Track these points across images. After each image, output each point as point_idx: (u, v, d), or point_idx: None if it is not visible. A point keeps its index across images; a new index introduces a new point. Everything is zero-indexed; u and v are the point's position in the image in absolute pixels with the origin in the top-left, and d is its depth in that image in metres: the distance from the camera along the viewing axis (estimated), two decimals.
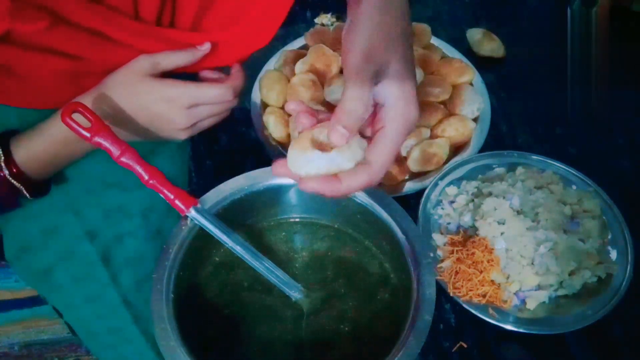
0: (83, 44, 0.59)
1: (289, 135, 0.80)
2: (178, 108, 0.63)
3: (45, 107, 0.64)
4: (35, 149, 0.62)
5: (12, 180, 0.62)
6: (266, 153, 0.79)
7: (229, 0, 0.66)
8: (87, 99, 0.62)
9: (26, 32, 0.54)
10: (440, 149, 0.77)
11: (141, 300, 0.70)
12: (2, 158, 0.61)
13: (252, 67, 0.90)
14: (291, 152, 0.50)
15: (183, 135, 0.66)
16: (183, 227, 0.61)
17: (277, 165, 0.53)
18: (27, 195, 0.64)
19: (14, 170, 0.62)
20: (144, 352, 0.73)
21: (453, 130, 0.79)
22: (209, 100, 0.64)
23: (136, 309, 0.71)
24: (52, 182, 0.69)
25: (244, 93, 0.85)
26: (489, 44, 0.93)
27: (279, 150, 0.79)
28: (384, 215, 0.63)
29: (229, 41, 0.68)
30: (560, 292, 0.66)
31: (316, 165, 0.49)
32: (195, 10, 0.65)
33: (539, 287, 0.66)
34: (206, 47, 0.65)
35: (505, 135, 0.85)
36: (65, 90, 0.63)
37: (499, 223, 0.67)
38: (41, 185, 0.67)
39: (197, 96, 0.63)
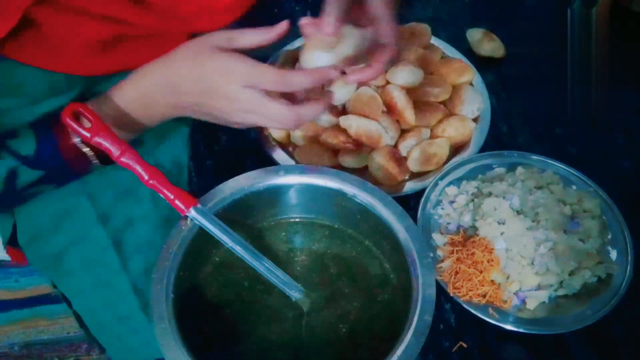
0: (116, 6, 0.59)
1: (289, 135, 0.80)
2: (233, 82, 0.59)
3: (73, 72, 0.64)
4: (102, 116, 0.61)
5: (82, 148, 0.62)
6: (266, 153, 0.79)
7: None
8: (157, 64, 0.61)
9: None
10: (440, 149, 0.77)
11: (149, 288, 0.71)
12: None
13: None
14: (303, 57, 0.60)
15: (234, 124, 0.63)
16: (183, 227, 0.61)
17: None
18: (98, 162, 0.64)
19: (87, 139, 0.60)
20: (150, 342, 0.73)
21: (453, 130, 0.79)
22: (265, 85, 0.59)
23: (144, 297, 0.72)
24: None
25: None
26: (489, 44, 0.93)
27: (279, 150, 0.79)
28: (384, 215, 0.63)
29: None
30: (560, 292, 0.66)
31: (324, 61, 0.58)
32: None
33: (539, 287, 0.66)
34: (283, 26, 0.61)
35: (505, 135, 0.85)
36: (94, 59, 0.63)
37: (499, 223, 0.67)
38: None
39: (255, 74, 0.59)
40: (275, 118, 0.61)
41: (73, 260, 0.75)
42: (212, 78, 0.60)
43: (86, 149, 0.62)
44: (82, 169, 0.64)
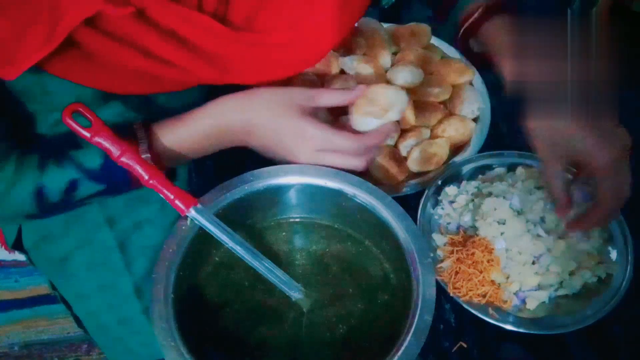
0: (159, 42, 0.58)
1: None
2: (307, 147, 0.63)
3: (105, 90, 0.64)
4: (176, 139, 0.63)
5: (150, 162, 0.62)
6: None
7: (287, 1, 0.63)
8: (238, 102, 0.64)
9: (114, 16, 0.53)
10: (440, 149, 0.77)
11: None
12: (146, 144, 0.62)
13: None
14: (354, 118, 0.65)
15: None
16: (183, 227, 0.61)
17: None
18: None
19: (153, 156, 0.62)
20: (151, 344, 0.73)
21: (453, 130, 0.79)
22: (339, 149, 0.64)
23: (146, 300, 0.72)
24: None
25: None
26: None
27: None
28: (384, 215, 0.63)
29: (283, 48, 0.65)
30: (560, 292, 0.66)
31: (374, 125, 0.65)
32: (249, 6, 0.62)
33: (539, 287, 0.66)
34: (360, 89, 0.65)
35: (505, 135, 0.85)
36: (129, 81, 0.64)
37: (499, 223, 0.67)
38: (170, 170, 0.68)
39: (330, 142, 0.63)
40: (348, 151, 0.64)
41: (78, 263, 0.75)
42: (287, 136, 0.63)
43: (149, 160, 0.63)
44: (140, 183, 0.65)
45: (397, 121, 0.79)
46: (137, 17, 0.55)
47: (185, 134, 0.64)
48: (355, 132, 0.66)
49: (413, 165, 0.77)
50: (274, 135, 0.64)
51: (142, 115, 0.73)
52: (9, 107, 0.64)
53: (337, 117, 0.78)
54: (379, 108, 0.64)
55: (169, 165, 0.66)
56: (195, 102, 0.69)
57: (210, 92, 0.86)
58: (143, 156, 0.62)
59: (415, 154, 0.77)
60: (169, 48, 0.58)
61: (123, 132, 0.62)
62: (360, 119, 0.65)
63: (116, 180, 0.61)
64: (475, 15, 0.69)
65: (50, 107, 0.66)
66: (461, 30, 0.71)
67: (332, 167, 0.65)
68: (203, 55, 0.61)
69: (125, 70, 0.61)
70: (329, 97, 0.65)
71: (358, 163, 0.65)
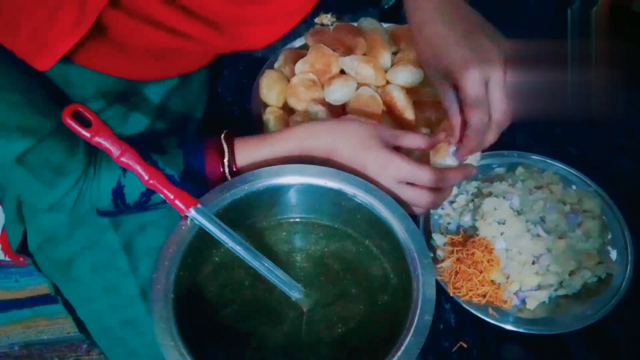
0: (178, 17, 0.59)
1: None
2: (390, 177, 0.64)
3: (126, 77, 0.65)
4: (258, 156, 0.66)
5: (227, 174, 0.65)
6: None
7: None
8: (327, 127, 0.66)
9: None
10: (441, 148, 0.77)
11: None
12: (228, 157, 0.65)
13: (252, 67, 0.90)
14: (435, 159, 0.69)
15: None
16: (183, 227, 0.61)
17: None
18: None
19: (234, 169, 0.65)
20: (155, 345, 0.73)
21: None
22: (420, 181, 0.64)
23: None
24: None
25: (245, 93, 0.86)
26: None
27: None
28: (384, 215, 0.63)
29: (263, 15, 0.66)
30: (560, 292, 0.66)
31: (450, 164, 0.68)
32: None
33: (539, 287, 0.66)
34: (441, 136, 0.68)
35: (505, 135, 0.84)
36: (148, 65, 0.65)
37: (499, 223, 0.67)
38: None
39: (412, 173, 0.64)
40: (429, 183, 0.64)
41: (82, 265, 0.75)
42: (372, 165, 0.64)
43: (228, 175, 0.65)
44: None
45: (397, 120, 0.79)
46: None
47: (270, 152, 0.66)
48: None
49: None
50: (358, 163, 0.65)
51: (147, 118, 0.74)
52: (61, 96, 0.64)
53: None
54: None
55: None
56: (196, 92, 0.68)
57: (211, 83, 0.87)
58: (224, 169, 0.65)
59: (415, 154, 0.76)
60: (184, 20, 0.59)
61: (206, 142, 0.65)
62: (440, 160, 0.68)
63: (191, 188, 0.61)
64: None
65: (73, 99, 0.66)
66: None
67: (409, 201, 0.66)
68: (213, 24, 0.61)
69: (145, 53, 0.61)
70: (412, 139, 0.67)
71: (434, 199, 0.65)
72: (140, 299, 0.73)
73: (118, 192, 0.64)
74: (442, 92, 0.64)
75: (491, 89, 0.61)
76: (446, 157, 0.68)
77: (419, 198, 0.65)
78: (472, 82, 0.60)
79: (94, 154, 0.64)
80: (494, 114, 0.62)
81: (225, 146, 0.65)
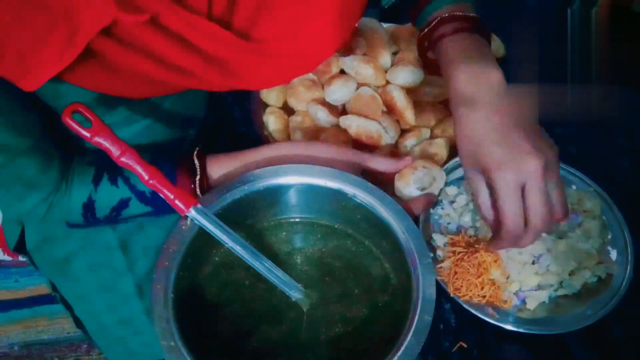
0: (171, 49, 0.59)
1: (289, 135, 0.80)
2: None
3: (124, 96, 0.66)
4: (230, 171, 0.67)
5: (197, 190, 0.66)
6: None
7: (289, 7, 0.62)
8: (291, 145, 0.68)
9: (128, 24, 0.54)
10: (440, 149, 0.77)
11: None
12: (199, 176, 0.65)
13: None
14: (398, 185, 0.70)
15: None
16: (183, 227, 0.61)
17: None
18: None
19: (205, 185, 0.66)
20: (153, 344, 0.73)
21: (453, 130, 0.79)
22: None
23: (148, 300, 0.72)
24: None
25: (246, 94, 0.86)
26: None
27: None
28: (384, 215, 0.63)
29: (285, 57, 0.65)
30: (560, 292, 0.66)
31: (415, 194, 0.70)
32: (250, 12, 0.62)
33: (539, 287, 0.66)
34: (407, 160, 0.69)
35: None
36: (141, 87, 0.65)
37: None
38: None
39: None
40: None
41: (79, 264, 0.75)
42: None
43: (199, 192, 0.65)
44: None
45: (397, 121, 0.79)
46: (150, 25, 0.55)
47: (240, 166, 0.67)
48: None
49: None
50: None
51: (148, 119, 0.74)
52: (44, 110, 0.64)
53: (338, 116, 0.78)
54: (423, 181, 0.70)
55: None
56: (195, 97, 0.69)
57: (213, 98, 0.87)
58: (195, 186, 0.65)
59: (415, 154, 0.76)
60: (181, 54, 0.59)
61: (179, 160, 0.65)
62: (404, 187, 0.69)
63: (163, 205, 0.61)
64: (430, 26, 0.68)
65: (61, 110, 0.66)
66: (419, 36, 0.71)
67: None
68: (212, 61, 0.61)
69: (138, 76, 0.61)
70: (379, 162, 0.69)
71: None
72: (137, 297, 0.74)
73: (88, 207, 0.65)
74: (476, 188, 0.63)
75: (528, 193, 0.58)
76: (409, 184, 0.69)
77: None
78: (506, 183, 0.58)
79: (67, 170, 0.65)
80: (532, 219, 0.59)
81: (197, 164, 0.65)
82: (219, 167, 0.67)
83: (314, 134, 0.78)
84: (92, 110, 0.62)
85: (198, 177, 0.65)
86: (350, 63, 0.81)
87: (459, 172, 0.76)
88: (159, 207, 0.66)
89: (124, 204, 0.65)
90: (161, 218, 0.74)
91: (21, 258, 0.86)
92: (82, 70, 0.58)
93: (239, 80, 0.65)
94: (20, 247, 0.80)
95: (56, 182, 0.64)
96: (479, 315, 0.63)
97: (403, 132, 0.79)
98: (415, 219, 0.69)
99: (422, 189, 0.70)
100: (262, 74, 0.66)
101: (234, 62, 0.62)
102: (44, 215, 0.65)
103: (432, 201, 0.70)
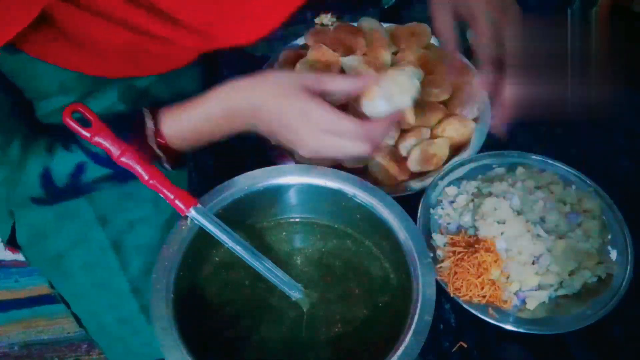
0: (137, 12, 0.58)
1: None
2: (313, 128, 0.61)
3: (88, 73, 0.64)
4: (185, 124, 0.63)
5: (158, 151, 0.63)
6: (266, 153, 0.79)
7: None
8: (246, 85, 0.63)
9: None
10: (440, 149, 0.77)
11: (149, 289, 0.71)
12: (151, 128, 0.62)
13: (252, 67, 0.90)
14: (364, 103, 0.64)
15: (306, 154, 0.64)
16: (183, 227, 0.61)
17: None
18: (169, 167, 0.65)
19: (161, 142, 0.63)
20: (150, 343, 0.73)
21: (453, 130, 0.79)
22: (344, 132, 0.61)
23: (144, 299, 0.72)
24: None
25: None
26: None
27: (279, 150, 0.79)
28: (384, 215, 0.63)
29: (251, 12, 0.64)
30: (560, 292, 0.66)
31: (383, 108, 0.63)
32: None
33: (539, 287, 0.66)
34: (370, 75, 0.65)
35: (505, 135, 0.85)
36: (112, 63, 0.64)
37: (499, 223, 0.67)
38: (180, 157, 0.67)
39: (335, 124, 0.61)
40: (350, 135, 0.62)
41: (73, 262, 0.75)
42: (293, 117, 0.61)
43: (159, 151, 0.63)
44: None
45: (397, 121, 0.79)
46: None
47: (195, 118, 0.63)
48: (365, 118, 0.64)
49: (413, 165, 0.77)
50: (280, 118, 0.62)
51: (136, 107, 0.73)
52: (10, 88, 0.64)
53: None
54: (390, 94, 0.63)
55: (179, 150, 0.65)
56: (189, 90, 0.68)
57: (205, 81, 0.86)
58: (151, 142, 0.62)
59: (415, 154, 0.76)
60: (148, 19, 0.58)
61: (130, 118, 0.62)
62: (370, 104, 0.64)
63: (123, 168, 0.60)
64: None
65: (38, 93, 0.66)
66: None
67: (339, 152, 0.63)
68: (181, 23, 0.60)
69: (107, 50, 0.61)
70: (338, 82, 0.64)
71: (364, 148, 0.62)
72: (132, 296, 0.73)
73: (46, 177, 0.63)
74: (442, 22, 0.65)
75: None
76: (376, 99, 0.63)
77: (343, 150, 0.62)
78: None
79: (26, 146, 0.63)
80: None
81: (148, 118, 0.63)
82: (172, 120, 0.64)
83: None
84: (72, 94, 0.61)
85: (149, 127, 0.62)
86: (350, 63, 0.81)
87: (459, 172, 0.76)
88: (119, 169, 0.63)
89: (80, 168, 0.63)
90: (154, 216, 0.74)
91: (18, 254, 0.86)
92: (45, 42, 0.57)
93: (214, 39, 0.64)
94: (12, 242, 0.80)
95: (17, 160, 0.62)
96: (479, 315, 0.63)
97: (403, 132, 0.79)
98: (416, 219, 0.69)
99: (391, 101, 0.63)
100: (234, 27, 0.65)
101: (204, 20, 0.62)
102: (7, 195, 0.64)
103: (397, 119, 0.65)
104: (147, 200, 0.74)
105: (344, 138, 0.61)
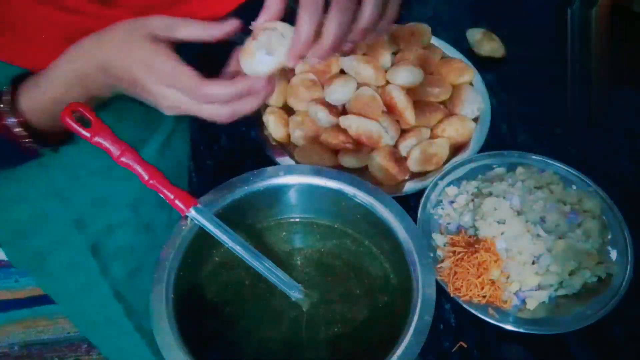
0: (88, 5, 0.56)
1: (288, 135, 0.80)
2: (156, 81, 0.55)
3: (38, 67, 0.61)
4: (40, 95, 0.59)
5: (17, 129, 0.58)
6: (266, 153, 0.79)
7: None
8: (91, 42, 0.57)
9: None
10: (440, 149, 0.77)
11: (133, 293, 0.70)
12: (8, 107, 0.57)
13: None
14: (242, 59, 0.55)
15: (165, 110, 0.59)
16: (183, 227, 0.61)
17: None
18: (35, 146, 0.61)
19: (19, 118, 0.58)
20: (140, 346, 0.72)
21: (453, 130, 0.79)
22: (179, 86, 0.55)
23: (128, 302, 0.71)
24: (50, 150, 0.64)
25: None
26: (489, 44, 0.93)
27: (279, 150, 0.79)
28: (384, 215, 0.63)
29: None
30: (560, 292, 0.66)
31: (266, 64, 0.54)
32: None
33: (539, 287, 0.66)
34: (233, 24, 0.55)
35: (505, 135, 0.85)
36: (59, 54, 0.60)
37: (499, 223, 0.67)
38: (49, 136, 0.63)
39: (168, 77, 0.55)
40: (208, 113, 0.56)
41: (55, 262, 0.73)
42: (138, 69, 0.55)
43: (18, 129, 0.58)
44: (23, 150, 0.61)
45: (397, 121, 0.79)
46: None
47: (46, 86, 0.58)
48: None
49: (413, 165, 0.77)
50: (129, 74, 0.56)
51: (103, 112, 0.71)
52: None
53: (338, 116, 0.78)
54: (272, 46, 0.54)
55: (44, 126, 0.61)
56: None
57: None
58: (8, 121, 0.57)
59: (415, 154, 0.77)
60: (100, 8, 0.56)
61: None
62: (250, 61, 0.54)
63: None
64: None
65: None
66: None
67: (185, 109, 0.56)
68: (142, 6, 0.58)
69: (59, 41, 0.58)
70: (193, 29, 0.56)
71: (216, 111, 0.55)
72: (115, 300, 0.72)
73: None
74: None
75: None
76: (253, 57, 0.54)
77: (184, 106, 0.56)
78: None
79: None
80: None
81: (5, 97, 0.57)
82: (28, 94, 0.58)
83: (314, 133, 0.78)
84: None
85: (6, 108, 0.57)
86: (350, 63, 0.81)
87: (459, 172, 0.76)
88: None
89: None
90: (131, 220, 0.71)
91: None
92: None
93: (184, 14, 0.59)
94: None
95: None
96: (479, 315, 0.63)
97: (403, 132, 0.79)
98: (416, 219, 0.69)
99: (274, 54, 0.54)
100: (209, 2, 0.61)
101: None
102: None
103: (258, 89, 0.55)
104: (124, 205, 0.73)
105: (182, 93, 0.55)
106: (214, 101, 0.55)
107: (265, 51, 0.54)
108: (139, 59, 0.55)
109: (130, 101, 0.70)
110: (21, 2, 0.55)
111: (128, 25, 0.56)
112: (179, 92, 0.55)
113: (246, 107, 0.56)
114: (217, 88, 0.54)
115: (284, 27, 0.55)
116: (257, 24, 0.55)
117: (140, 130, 0.74)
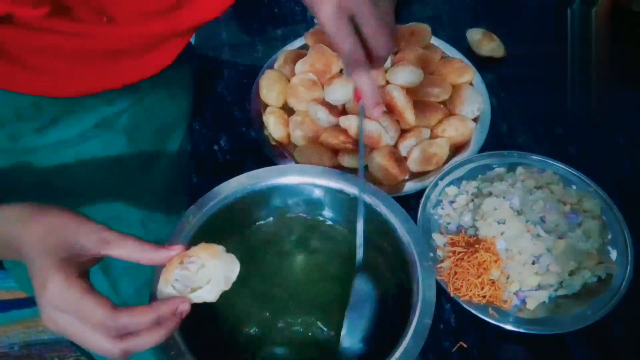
0: (82, 25, 0.57)
1: (288, 135, 0.80)
2: (48, 301, 0.47)
3: (41, 94, 0.62)
4: None
5: None
6: (266, 153, 0.79)
7: None
8: (20, 210, 0.51)
9: (27, 16, 0.52)
10: (440, 149, 0.77)
11: None
12: None
13: (252, 66, 0.90)
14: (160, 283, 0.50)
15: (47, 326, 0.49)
16: (183, 227, 0.61)
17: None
18: None
19: None
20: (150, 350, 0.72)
21: (453, 130, 0.79)
22: (87, 319, 0.47)
23: None
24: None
25: (245, 93, 0.86)
26: (489, 44, 0.93)
27: (279, 150, 0.79)
28: (385, 215, 0.63)
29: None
30: (560, 292, 0.66)
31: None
32: None
33: (539, 287, 0.66)
34: (174, 250, 0.51)
35: (505, 135, 0.85)
36: (61, 80, 0.61)
37: (499, 223, 0.67)
38: None
39: (75, 306, 0.46)
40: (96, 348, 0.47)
41: None
42: (35, 277, 0.48)
43: None
44: None
45: (397, 121, 0.79)
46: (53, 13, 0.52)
47: None
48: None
49: (413, 165, 0.77)
50: (30, 267, 0.48)
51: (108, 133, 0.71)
52: None
53: (337, 115, 0.78)
54: (193, 280, 0.50)
55: None
56: (171, 114, 0.65)
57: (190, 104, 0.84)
58: None
59: (415, 154, 0.77)
60: (90, 25, 0.57)
61: None
62: (163, 287, 0.50)
63: None
64: None
65: None
66: None
67: (79, 339, 0.47)
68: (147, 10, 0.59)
69: (56, 69, 0.59)
70: (131, 250, 0.49)
71: (108, 346, 0.46)
72: None
73: None
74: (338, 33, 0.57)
75: (361, 23, 0.56)
76: (169, 283, 0.50)
77: (87, 341, 0.47)
78: (327, 13, 0.55)
79: None
80: (373, 46, 0.57)
81: None
82: None
83: (314, 133, 0.78)
84: (28, 121, 0.59)
85: None
86: None
87: (459, 172, 0.76)
88: None
89: None
90: (142, 236, 0.71)
91: None
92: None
93: (181, 20, 0.62)
94: None
95: None
96: (479, 315, 0.63)
97: (403, 132, 0.79)
98: (416, 219, 0.69)
99: (185, 291, 0.50)
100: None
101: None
102: None
103: (172, 313, 0.49)
104: (135, 223, 0.73)
105: (88, 326, 0.46)
106: (126, 334, 0.47)
107: (180, 283, 0.49)
108: (40, 268, 0.47)
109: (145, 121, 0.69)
110: (19, 32, 0.55)
111: (58, 224, 0.49)
112: (75, 320, 0.47)
113: (142, 343, 0.48)
114: (137, 317, 0.48)
115: (223, 264, 0.51)
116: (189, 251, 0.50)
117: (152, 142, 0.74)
